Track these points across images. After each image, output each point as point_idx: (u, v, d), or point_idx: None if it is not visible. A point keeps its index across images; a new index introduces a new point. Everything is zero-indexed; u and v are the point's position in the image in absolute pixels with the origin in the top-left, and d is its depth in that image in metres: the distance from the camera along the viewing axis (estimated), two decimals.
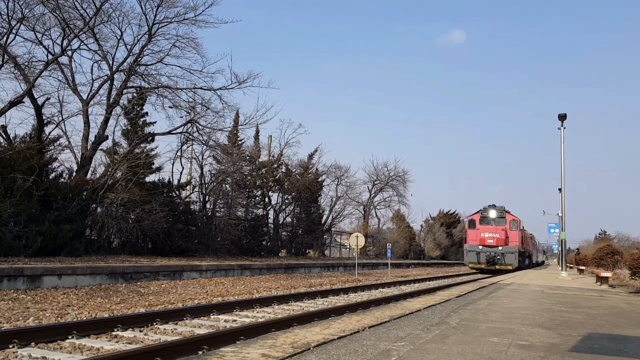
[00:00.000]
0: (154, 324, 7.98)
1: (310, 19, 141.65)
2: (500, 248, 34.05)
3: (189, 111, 22.33)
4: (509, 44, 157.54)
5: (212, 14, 30.06)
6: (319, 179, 37.17)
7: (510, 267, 33.49)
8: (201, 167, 25.78)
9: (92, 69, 20.04)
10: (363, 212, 46.89)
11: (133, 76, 20.45)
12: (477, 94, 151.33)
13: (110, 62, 19.98)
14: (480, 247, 34.45)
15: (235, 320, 8.94)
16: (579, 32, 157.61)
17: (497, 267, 33.72)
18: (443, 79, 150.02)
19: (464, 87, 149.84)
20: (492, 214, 35.82)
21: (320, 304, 12.09)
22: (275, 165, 33.07)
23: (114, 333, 7.22)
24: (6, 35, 16.66)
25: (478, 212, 36.61)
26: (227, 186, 27.35)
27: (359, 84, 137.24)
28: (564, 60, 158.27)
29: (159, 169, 22.77)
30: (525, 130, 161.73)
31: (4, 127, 17.21)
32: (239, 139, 29.10)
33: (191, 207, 24.97)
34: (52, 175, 18.58)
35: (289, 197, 34.31)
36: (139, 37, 20.30)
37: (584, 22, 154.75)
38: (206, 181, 26.05)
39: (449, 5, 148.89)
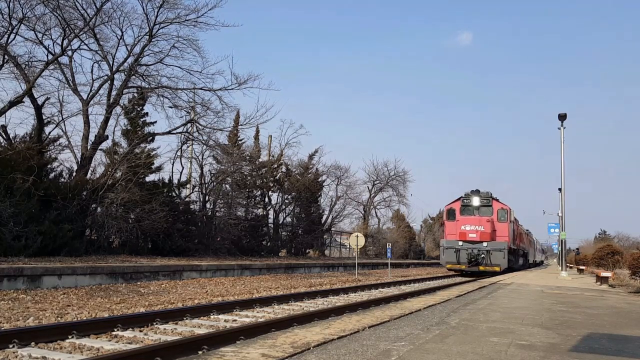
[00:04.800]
0: (154, 323, 7.98)
1: (313, 19, 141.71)
2: (485, 244, 27.37)
3: (189, 111, 22.36)
4: (512, 45, 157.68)
5: (214, 16, 30.05)
6: (319, 179, 37.21)
7: (497, 269, 27.20)
8: (201, 167, 25.83)
9: (92, 69, 20.10)
10: (363, 212, 46.90)
11: (133, 76, 20.48)
12: (478, 94, 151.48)
13: (111, 62, 20.03)
14: (461, 243, 27.84)
15: (235, 320, 8.94)
16: (581, 32, 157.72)
17: (480, 268, 27.37)
18: (444, 80, 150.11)
19: (464, 88, 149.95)
20: (476, 201, 29.11)
21: (320, 303, 12.09)
22: (276, 166, 33.09)
23: (114, 333, 7.23)
24: (6, 35, 16.68)
25: (458, 199, 29.89)
26: (227, 186, 27.37)
27: (360, 84, 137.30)
28: (564, 60, 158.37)
29: (159, 168, 22.79)
30: (525, 130, 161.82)
31: (4, 127, 17.22)
32: (239, 139, 29.15)
33: (191, 207, 25.00)
34: (52, 175, 18.58)
35: (289, 197, 34.33)
36: (140, 37, 20.36)
37: (586, 22, 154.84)
38: (206, 181, 26.08)
39: (456, 6, 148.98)
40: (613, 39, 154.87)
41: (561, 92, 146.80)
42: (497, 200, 29.54)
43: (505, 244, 27.59)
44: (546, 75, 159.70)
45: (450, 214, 29.87)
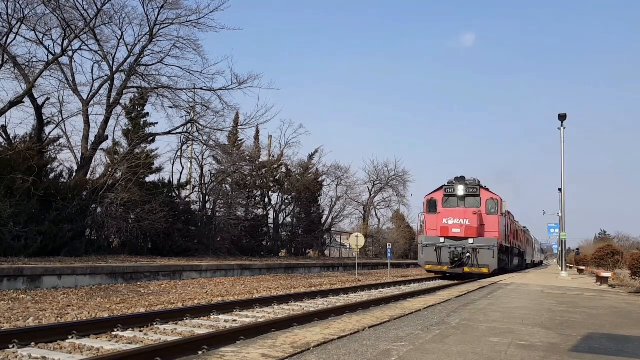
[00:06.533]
0: (154, 324, 7.98)
1: (314, 19, 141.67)
2: (470, 241, 23.09)
3: (189, 111, 22.38)
4: (513, 46, 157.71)
5: (214, 18, 30.02)
6: (319, 179, 37.22)
7: (485, 270, 22.87)
8: (201, 167, 25.84)
9: (92, 69, 20.13)
10: (363, 212, 46.88)
11: (133, 76, 20.50)
12: (478, 94, 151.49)
13: (111, 63, 20.05)
14: (442, 239, 23.56)
15: (235, 320, 8.94)
16: (582, 32, 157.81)
17: (466, 269, 23.16)
18: (445, 80, 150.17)
19: (465, 88, 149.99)
20: (460, 190, 24.77)
21: (320, 304, 12.09)
22: (276, 166, 33.10)
23: (114, 333, 7.23)
24: (7, 35, 16.68)
25: (441, 187, 25.46)
26: (227, 186, 27.38)
27: (360, 84, 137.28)
28: (563, 60, 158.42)
29: (159, 169, 22.82)
30: (525, 130, 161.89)
31: (4, 127, 17.23)
32: (239, 139, 29.15)
33: (191, 207, 25.02)
34: (52, 176, 18.59)
35: (289, 197, 34.34)
36: (140, 37, 20.38)
37: (588, 22, 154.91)
38: (206, 181, 26.10)
39: (458, 7, 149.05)
40: (613, 39, 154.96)
41: (562, 92, 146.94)
42: (487, 189, 25.22)
43: (495, 241, 23.39)
44: (547, 76, 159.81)
45: (431, 205, 25.47)
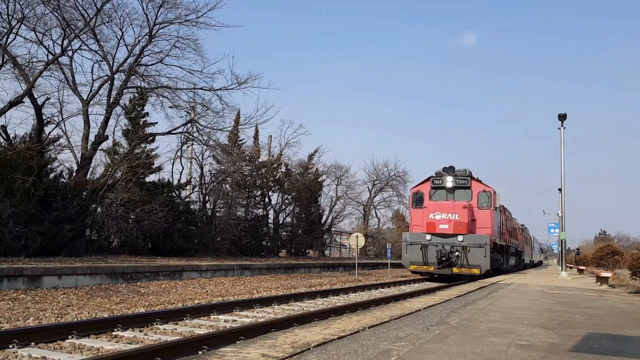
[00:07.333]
0: (154, 324, 7.98)
1: (317, 20, 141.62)
2: (460, 238, 20.79)
3: (189, 111, 22.37)
4: (514, 46, 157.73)
5: (214, 16, 30.07)
6: (319, 179, 37.21)
7: (476, 271, 20.62)
8: (201, 167, 25.85)
9: (92, 69, 20.13)
10: (363, 212, 46.87)
11: (133, 76, 20.51)
12: (478, 94, 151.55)
13: (111, 63, 20.05)
14: (429, 236, 21.27)
15: (235, 320, 8.94)
16: (582, 32, 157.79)
17: (454, 270, 20.89)
18: (445, 80, 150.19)
19: (465, 88, 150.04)
20: (449, 181, 22.30)
21: (320, 304, 12.08)
22: (275, 165, 33.11)
23: (114, 333, 7.22)
24: (6, 35, 16.69)
25: (428, 179, 22.99)
26: (227, 186, 27.39)
27: (361, 84, 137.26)
28: (562, 60, 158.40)
29: (159, 168, 22.83)
30: (525, 130, 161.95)
31: (4, 127, 17.23)
32: (239, 139, 29.18)
33: (191, 207, 25.02)
34: (51, 176, 18.60)
35: (289, 197, 34.34)
36: (140, 37, 20.40)
37: (587, 23, 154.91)
38: (206, 181, 26.10)
39: (459, 7, 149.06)
40: (613, 39, 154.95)
41: (562, 93, 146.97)
42: (479, 180, 22.70)
43: (487, 238, 21.01)
44: (547, 76, 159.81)
45: (417, 198, 23.07)
